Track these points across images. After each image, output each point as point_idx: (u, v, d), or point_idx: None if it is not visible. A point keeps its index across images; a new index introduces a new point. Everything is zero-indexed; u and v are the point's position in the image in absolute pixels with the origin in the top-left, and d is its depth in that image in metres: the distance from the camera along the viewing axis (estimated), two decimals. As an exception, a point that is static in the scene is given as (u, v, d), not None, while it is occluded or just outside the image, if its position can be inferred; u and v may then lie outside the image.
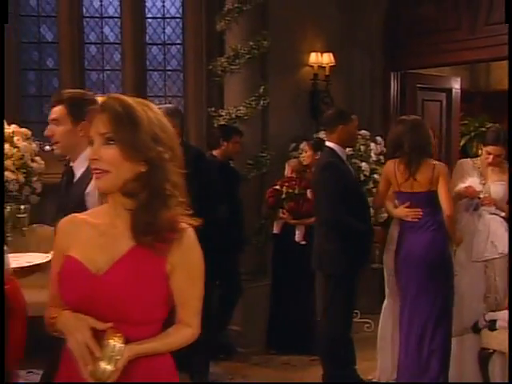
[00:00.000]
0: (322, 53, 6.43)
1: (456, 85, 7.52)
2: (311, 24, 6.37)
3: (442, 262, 3.94)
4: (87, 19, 6.71)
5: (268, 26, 6.02)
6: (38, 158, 5.60)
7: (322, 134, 6.20)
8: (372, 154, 5.97)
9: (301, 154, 5.71)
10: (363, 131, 5.91)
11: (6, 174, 5.17)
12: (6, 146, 5.34)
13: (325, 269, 4.13)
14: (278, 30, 6.06)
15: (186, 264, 1.68)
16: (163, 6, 6.81)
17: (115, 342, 1.55)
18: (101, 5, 6.73)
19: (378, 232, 4.30)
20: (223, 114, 5.88)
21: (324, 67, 6.45)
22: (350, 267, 4.02)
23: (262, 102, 5.85)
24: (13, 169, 5.31)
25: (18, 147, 5.41)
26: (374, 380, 4.56)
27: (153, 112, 1.68)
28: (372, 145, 6.01)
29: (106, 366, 1.54)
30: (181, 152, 1.71)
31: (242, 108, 5.77)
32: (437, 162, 4.02)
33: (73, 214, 1.78)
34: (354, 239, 3.97)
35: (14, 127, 5.51)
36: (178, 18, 6.80)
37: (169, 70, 6.85)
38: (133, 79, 6.70)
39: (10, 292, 1.74)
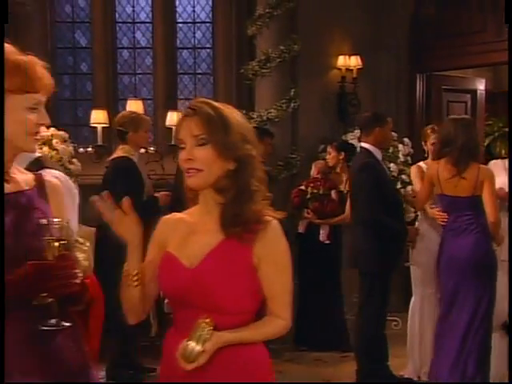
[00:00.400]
0: (349, 56, 6.55)
1: (481, 86, 7.60)
2: (339, 27, 6.50)
3: (486, 263, 3.96)
4: (120, 24, 6.92)
5: (297, 30, 6.15)
6: (75, 160, 5.77)
7: (349, 136, 6.34)
8: (400, 155, 6.07)
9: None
10: (391, 133, 6.02)
11: (46, 175, 5.33)
12: (46, 148, 5.51)
13: (361, 267, 4.25)
14: (306, 33, 6.19)
15: (272, 255, 1.77)
16: (193, 11, 6.98)
17: (204, 324, 1.67)
18: (133, 10, 6.93)
19: (413, 231, 4.40)
20: (254, 116, 6.02)
21: (351, 70, 6.58)
22: (386, 265, 4.15)
23: (292, 105, 5.98)
24: (52, 171, 5.48)
25: (56, 150, 5.58)
26: (406, 376, 4.66)
27: (237, 113, 1.82)
28: (400, 146, 6.11)
29: (194, 347, 1.65)
30: (261, 150, 1.85)
31: (272, 110, 5.91)
32: (482, 166, 4.03)
33: (172, 213, 1.91)
34: (390, 238, 4.09)
35: (52, 130, 5.69)
36: (207, 22, 6.98)
37: (199, 74, 7.04)
38: (164, 82, 6.88)
39: (89, 285, 1.88)
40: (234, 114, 1.79)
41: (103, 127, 6.11)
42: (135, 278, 1.79)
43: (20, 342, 1.68)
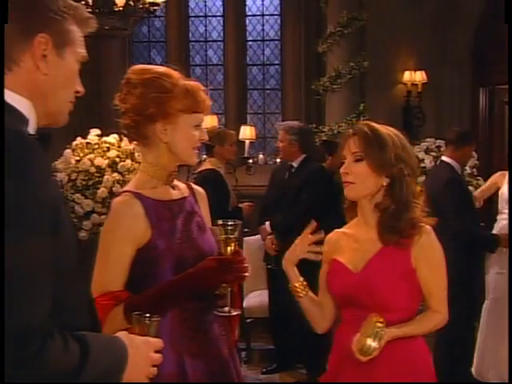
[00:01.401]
0: (415, 71, 6.75)
1: (543, 99, 7.67)
2: (405, 44, 6.71)
3: None
4: (193, 43, 7.27)
5: (366, 46, 6.38)
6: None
7: (416, 148, 6.51)
8: (466, 167, 6.22)
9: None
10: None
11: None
12: (128, 161, 5.83)
13: (449, 276, 4.39)
14: (374, 50, 6.43)
15: (428, 257, 2.00)
16: (263, 29, 7.29)
17: (379, 323, 1.88)
18: (205, 30, 7.28)
19: (505, 237, 4.49)
20: (325, 130, 6.27)
21: (417, 84, 6.77)
22: (473, 272, 4.30)
23: (361, 119, 6.19)
24: (135, 182, 5.79)
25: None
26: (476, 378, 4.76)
27: (396, 135, 2.02)
28: (466, 158, 6.26)
29: (371, 343, 1.87)
30: (418, 167, 2.06)
31: (343, 124, 6.14)
32: None
33: (336, 230, 2.16)
34: (479, 247, 4.29)
35: (135, 143, 6.00)
36: (276, 40, 7.28)
37: (268, 89, 7.32)
38: (234, 97, 7.19)
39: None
40: (391, 135, 2.00)
41: (180, 140, 6.41)
42: (300, 288, 2.06)
43: (191, 329, 1.94)
